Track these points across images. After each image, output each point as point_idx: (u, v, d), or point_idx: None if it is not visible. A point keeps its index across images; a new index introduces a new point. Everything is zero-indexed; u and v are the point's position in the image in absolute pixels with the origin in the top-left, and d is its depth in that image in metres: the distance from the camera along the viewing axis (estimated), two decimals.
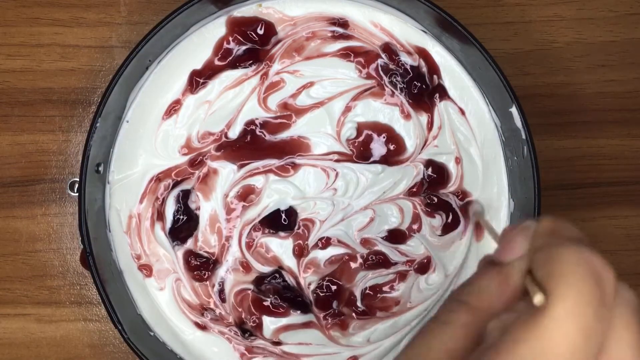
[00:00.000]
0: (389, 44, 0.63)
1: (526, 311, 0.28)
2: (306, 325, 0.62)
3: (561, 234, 0.31)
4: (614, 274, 0.30)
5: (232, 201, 0.63)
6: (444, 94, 0.63)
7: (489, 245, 0.64)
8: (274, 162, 0.63)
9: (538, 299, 0.28)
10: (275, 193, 0.63)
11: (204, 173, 0.63)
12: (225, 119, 0.63)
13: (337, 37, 0.63)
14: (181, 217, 0.63)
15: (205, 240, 0.63)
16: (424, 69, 0.63)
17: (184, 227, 0.63)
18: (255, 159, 0.63)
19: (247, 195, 0.63)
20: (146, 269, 0.63)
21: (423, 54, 0.63)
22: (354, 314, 0.63)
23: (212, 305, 0.63)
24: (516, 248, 0.31)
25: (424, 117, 0.63)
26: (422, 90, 0.62)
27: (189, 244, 0.63)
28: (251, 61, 0.63)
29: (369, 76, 0.63)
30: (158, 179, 0.63)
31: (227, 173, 0.63)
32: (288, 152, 0.63)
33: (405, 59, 0.63)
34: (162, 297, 0.63)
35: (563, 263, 0.29)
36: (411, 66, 0.63)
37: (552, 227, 0.32)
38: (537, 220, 0.32)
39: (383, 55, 0.63)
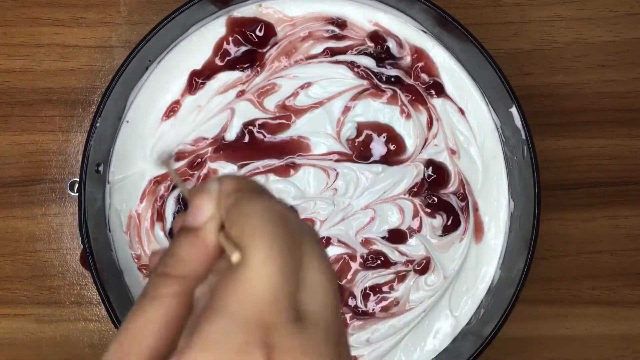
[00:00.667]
0: (376, 32, 0.63)
1: (228, 269, 0.30)
2: None
3: (245, 189, 0.33)
4: (296, 213, 0.32)
5: None
6: (442, 92, 0.63)
7: (489, 247, 0.64)
8: (274, 163, 0.63)
9: (235, 257, 0.30)
10: (275, 193, 0.62)
11: (204, 174, 0.63)
12: (222, 121, 0.63)
13: (330, 37, 0.63)
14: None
15: None
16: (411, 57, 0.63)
17: None
18: (255, 159, 0.63)
19: None
20: (146, 269, 0.63)
21: (419, 52, 0.63)
22: (353, 314, 0.63)
23: None
24: (204, 210, 0.33)
25: (423, 116, 0.63)
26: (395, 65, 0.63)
27: None
28: (248, 63, 0.63)
29: (360, 76, 0.63)
30: (157, 181, 0.63)
31: (227, 174, 0.63)
32: (288, 152, 0.63)
33: (391, 44, 0.63)
34: None
35: (250, 216, 0.30)
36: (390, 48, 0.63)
37: (234, 185, 0.33)
38: (218, 179, 0.34)
39: (369, 43, 0.63)
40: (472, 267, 0.64)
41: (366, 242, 0.63)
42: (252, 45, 0.63)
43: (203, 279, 0.31)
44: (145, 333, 0.30)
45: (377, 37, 0.63)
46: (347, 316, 0.63)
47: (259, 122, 0.63)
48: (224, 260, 0.31)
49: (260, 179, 0.63)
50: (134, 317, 0.31)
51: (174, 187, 0.63)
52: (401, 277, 0.63)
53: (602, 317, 0.69)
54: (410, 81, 0.63)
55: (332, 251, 0.63)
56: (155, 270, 0.32)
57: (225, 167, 0.63)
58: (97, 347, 0.68)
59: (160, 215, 0.63)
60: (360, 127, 0.63)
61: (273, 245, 0.29)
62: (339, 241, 0.63)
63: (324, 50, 0.63)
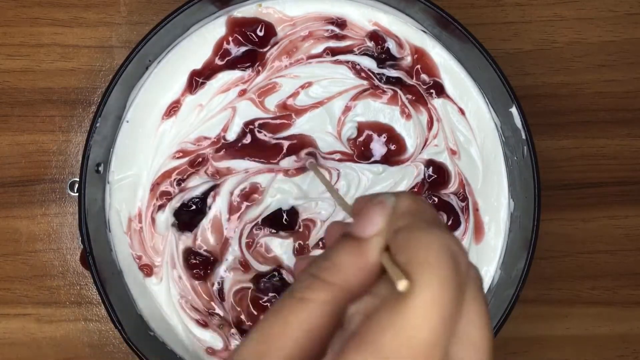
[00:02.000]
0: (376, 32, 0.63)
1: (389, 297, 0.27)
2: None
3: (420, 215, 0.30)
4: (467, 256, 0.29)
5: (236, 200, 0.63)
6: (442, 92, 0.63)
7: (489, 248, 0.64)
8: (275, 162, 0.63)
9: (403, 285, 0.27)
10: (277, 192, 0.63)
11: (216, 171, 0.62)
12: (223, 120, 0.63)
13: (330, 37, 0.63)
14: (193, 206, 0.62)
15: (204, 239, 0.63)
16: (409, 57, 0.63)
17: (190, 214, 0.62)
18: (256, 159, 0.63)
19: (251, 193, 0.63)
20: (146, 269, 0.63)
21: (418, 52, 0.63)
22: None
23: (216, 310, 0.63)
24: (374, 224, 0.30)
25: (424, 117, 0.63)
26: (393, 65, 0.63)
27: (189, 242, 0.63)
28: (249, 63, 0.63)
29: (361, 76, 0.63)
30: (158, 179, 0.63)
31: (234, 172, 0.63)
32: (291, 151, 0.63)
33: (391, 44, 0.63)
34: (163, 296, 0.63)
35: (425, 249, 0.28)
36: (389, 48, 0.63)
37: (411, 207, 0.30)
38: (394, 195, 0.31)
39: (369, 43, 0.63)
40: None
41: None
42: (252, 45, 0.63)
43: (356, 296, 0.29)
44: (285, 340, 0.28)
45: (377, 37, 0.63)
46: None
47: (260, 121, 0.63)
48: (383, 283, 0.29)
49: (265, 177, 0.63)
50: (276, 317, 0.29)
51: (182, 185, 0.63)
52: None
53: (602, 317, 0.69)
54: (411, 81, 0.63)
55: None
56: (306, 271, 0.30)
57: (233, 166, 0.62)
58: (97, 347, 0.68)
59: (162, 207, 0.63)
60: (360, 127, 0.63)
61: (443, 288, 0.27)
62: None
63: (324, 50, 0.63)
